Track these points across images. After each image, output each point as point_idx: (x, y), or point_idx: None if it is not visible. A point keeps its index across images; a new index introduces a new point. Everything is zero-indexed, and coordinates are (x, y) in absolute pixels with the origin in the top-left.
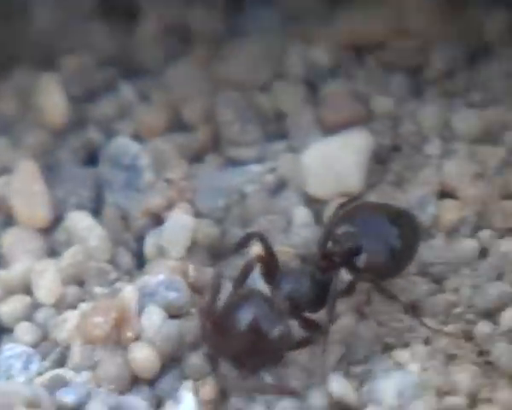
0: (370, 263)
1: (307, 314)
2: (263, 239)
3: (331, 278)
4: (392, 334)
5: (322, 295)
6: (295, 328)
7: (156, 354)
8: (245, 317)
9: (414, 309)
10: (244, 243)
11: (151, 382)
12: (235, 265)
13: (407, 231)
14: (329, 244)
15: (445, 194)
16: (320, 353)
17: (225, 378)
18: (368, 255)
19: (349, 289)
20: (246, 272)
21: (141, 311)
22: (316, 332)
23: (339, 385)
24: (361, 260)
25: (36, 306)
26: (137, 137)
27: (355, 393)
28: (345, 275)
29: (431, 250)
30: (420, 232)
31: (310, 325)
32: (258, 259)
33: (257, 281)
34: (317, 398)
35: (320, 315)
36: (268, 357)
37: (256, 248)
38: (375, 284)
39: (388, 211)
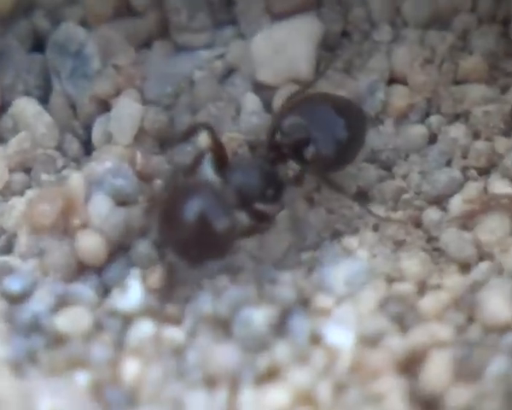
0: (318, 155)
1: (256, 206)
2: (210, 129)
3: (279, 169)
4: (342, 221)
5: (270, 186)
6: (243, 217)
7: (103, 242)
8: (192, 207)
9: (362, 198)
10: (191, 132)
11: (98, 270)
12: (183, 153)
13: (354, 121)
14: (278, 135)
15: (394, 80)
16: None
17: (172, 266)
18: (316, 147)
19: (297, 180)
20: (196, 162)
21: (88, 199)
22: (264, 222)
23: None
24: (309, 152)
25: None
26: (85, 23)
27: (305, 281)
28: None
29: (380, 137)
30: (367, 123)
31: (259, 216)
32: (208, 148)
33: (207, 172)
34: (272, 288)
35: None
36: (214, 248)
37: (204, 138)
38: (321, 177)
39: (335, 102)
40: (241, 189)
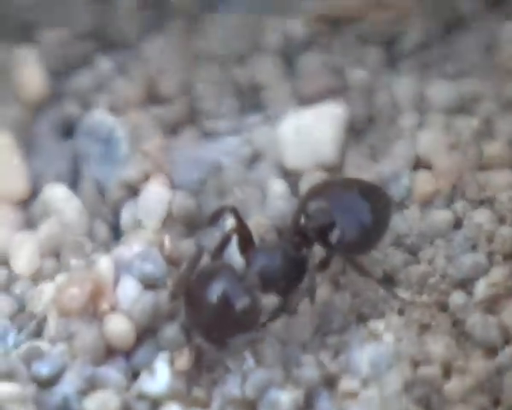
0: (343, 239)
1: (280, 289)
2: (235, 212)
3: (304, 254)
4: (367, 304)
5: (294, 271)
6: (268, 301)
7: (132, 326)
8: (214, 289)
9: (388, 282)
10: (217, 216)
11: (126, 353)
12: (210, 237)
13: (379, 205)
14: (303, 220)
15: (419, 165)
16: (308, 325)
17: (200, 349)
18: (341, 231)
19: (323, 265)
20: (223, 244)
21: (116, 283)
22: (289, 305)
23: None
24: (334, 236)
25: (13, 278)
26: (114, 110)
27: (331, 364)
28: (318, 250)
29: (405, 222)
30: (391, 207)
31: (283, 299)
32: (234, 230)
33: (234, 254)
34: (298, 370)
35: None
36: (237, 329)
37: (230, 221)
38: (348, 260)
39: (360, 186)
40: (265, 272)
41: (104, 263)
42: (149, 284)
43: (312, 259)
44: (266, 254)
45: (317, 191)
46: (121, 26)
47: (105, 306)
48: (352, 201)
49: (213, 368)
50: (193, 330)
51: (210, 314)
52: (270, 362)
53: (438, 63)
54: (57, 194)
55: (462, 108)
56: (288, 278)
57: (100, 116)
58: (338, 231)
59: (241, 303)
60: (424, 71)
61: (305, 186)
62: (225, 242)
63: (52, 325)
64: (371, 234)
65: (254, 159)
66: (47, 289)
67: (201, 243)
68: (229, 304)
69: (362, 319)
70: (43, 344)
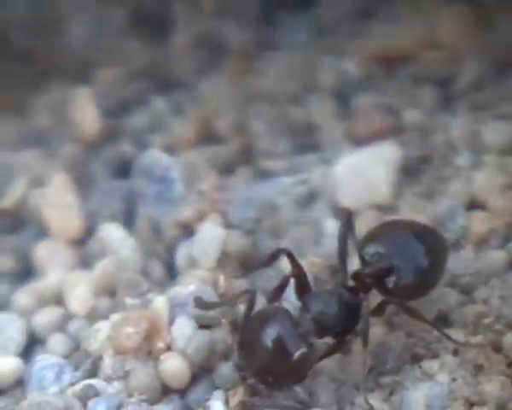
0: (401, 284)
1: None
2: (290, 255)
3: (359, 299)
4: (421, 344)
5: (350, 316)
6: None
7: (187, 365)
8: (269, 334)
9: (442, 322)
10: (272, 258)
11: (182, 392)
12: (265, 278)
13: (435, 249)
14: (359, 264)
15: (474, 205)
16: (360, 367)
17: (253, 388)
18: (398, 276)
19: (379, 310)
20: (281, 287)
21: (172, 321)
22: (341, 346)
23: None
24: (391, 281)
25: (68, 317)
26: (169, 149)
27: (385, 404)
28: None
29: (460, 261)
30: (448, 250)
31: (337, 345)
32: (292, 274)
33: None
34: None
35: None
36: (291, 375)
37: (285, 263)
38: (402, 307)
39: (416, 229)
40: (321, 318)
41: (159, 302)
42: (204, 323)
43: (366, 303)
44: (322, 299)
45: (373, 235)
46: (176, 64)
47: (160, 345)
48: (408, 245)
49: (268, 408)
50: (245, 371)
51: (265, 359)
52: (323, 402)
53: (492, 103)
54: (113, 233)
55: None
56: (343, 322)
57: (155, 155)
58: (395, 277)
59: (298, 352)
60: (479, 111)
61: (360, 226)
62: (283, 284)
63: (108, 364)
64: (428, 278)
65: (309, 198)
66: (102, 328)
67: (255, 284)
68: (286, 351)
69: (416, 359)
70: (98, 383)
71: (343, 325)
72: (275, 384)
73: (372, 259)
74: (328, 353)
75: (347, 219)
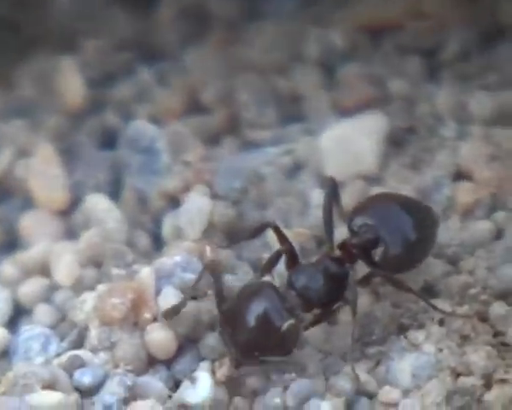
0: (387, 256)
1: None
2: (276, 228)
3: (346, 270)
4: (407, 315)
5: (336, 288)
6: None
7: (173, 335)
8: (255, 310)
9: (428, 292)
10: (259, 230)
11: (168, 363)
12: (251, 248)
13: (423, 223)
14: (347, 235)
15: (460, 176)
16: (350, 337)
17: (238, 361)
18: (385, 248)
19: (365, 282)
20: (272, 261)
21: (158, 292)
22: (327, 316)
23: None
24: (378, 254)
25: (54, 287)
26: (155, 119)
27: (371, 374)
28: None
29: (446, 232)
30: (437, 224)
31: (324, 315)
32: (283, 249)
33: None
34: (338, 379)
35: None
36: (278, 349)
37: (272, 236)
38: (387, 278)
39: (404, 203)
40: (307, 292)
41: (145, 273)
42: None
43: (353, 274)
44: (307, 274)
45: (362, 207)
46: (162, 35)
47: (146, 315)
48: (396, 218)
49: (254, 378)
50: (231, 348)
51: (251, 334)
52: (310, 372)
53: (478, 74)
54: (98, 204)
55: (502, 118)
56: (329, 295)
57: (140, 126)
58: (382, 248)
59: (285, 324)
60: (465, 81)
61: (346, 197)
62: (275, 259)
63: (94, 335)
64: (415, 252)
65: (295, 169)
66: (88, 299)
67: (241, 255)
68: (272, 325)
69: (402, 329)
70: (84, 353)
71: (329, 298)
72: (257, 360)
73: (359, 230)
74: (314, 322)
75: (332, 188)
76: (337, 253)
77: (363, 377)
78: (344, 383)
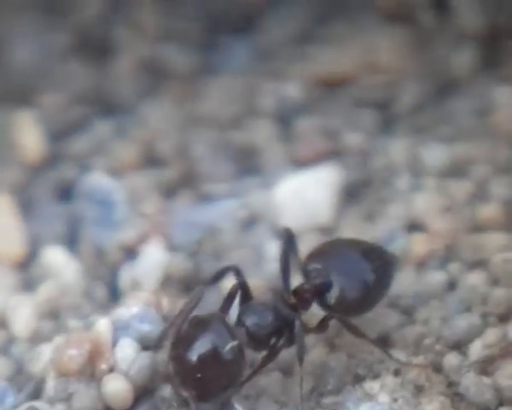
0: (340, 298)
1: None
2: (238, 273)
3: (296, 315)
4: (363, 365)
5: (285, 332)
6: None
7: (130, 387)
8: (199, 338)
9: (383, 343)
10: (220, 275)
11: None
12: (208, 299)
13: (379, 266)
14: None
15: (414, 227)
16: (297, 385)
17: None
18: (339, 291)
19: (321, 327)
20: (230, 298)
21: (115, 344)
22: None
23: None
24: (332, 296)
25: (11, 340)
26: (113, 172)
27: None
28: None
29: (401, 282)
30: (393, 267)
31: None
32: (239, 286)
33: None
34: None
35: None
36: (223, 378)
37: (230, 282)
38: (342, 322)
39: (360, 246)
40: (253, 329)
41: (102, 324)
42: (147, 345)
43: (300, 319)
44: (256, 311)
45: (315, 252)
46: (120, 88)
47: (103, 366)
48: (348, 260)
49: None
50: (177, 384)
51: (195, 363)
52: None
53: (432, 126)
54: (55, 256)
55: (455, 170)
56: (278, 337)
57: (97, 179)
58: (335, 291)
59: (228, 346)
60: (419, 134)
61: (301, 249)
62: (232, 295)
63: (51, 386)
64: (370, 294)
65: (251, 221)
66: (45, 351)
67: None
68: (216, 350)
69: (357, 379)
70: (41, 405)
71: (277, 339)
72: (205, 393)
73: (311, 274)
74: (262, 364)
75: (288, 237)
76: (291, 299)
77: None
78: None
